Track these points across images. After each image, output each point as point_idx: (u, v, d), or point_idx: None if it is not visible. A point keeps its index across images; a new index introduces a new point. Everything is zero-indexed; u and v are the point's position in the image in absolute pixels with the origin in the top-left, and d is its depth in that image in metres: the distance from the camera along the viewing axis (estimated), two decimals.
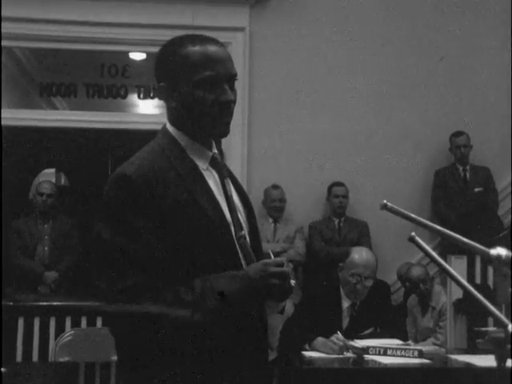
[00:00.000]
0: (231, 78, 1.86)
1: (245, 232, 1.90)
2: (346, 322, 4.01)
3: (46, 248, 6.10)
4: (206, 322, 1.70)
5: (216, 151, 1.94)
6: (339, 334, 3.66)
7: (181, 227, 1.74)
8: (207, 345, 1.72)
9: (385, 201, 1.65)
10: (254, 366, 1.85)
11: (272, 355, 5.22)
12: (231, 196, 1.90)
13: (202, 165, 1.88)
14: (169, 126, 1.92)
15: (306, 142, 6.53)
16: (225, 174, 1.93)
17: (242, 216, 1.93)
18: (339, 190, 6.38)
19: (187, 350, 1.71)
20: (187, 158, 1.86)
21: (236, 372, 1.79)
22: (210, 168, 1.90)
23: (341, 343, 3.61)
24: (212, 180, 1.88)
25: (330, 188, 6.41)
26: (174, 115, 1.90)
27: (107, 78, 6.95)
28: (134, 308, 1.67)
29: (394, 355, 3.53)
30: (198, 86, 1.82)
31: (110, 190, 1.78)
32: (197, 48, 1.85)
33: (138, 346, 1.70)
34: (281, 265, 1.78)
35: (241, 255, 1.85)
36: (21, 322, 5.31)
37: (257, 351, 1.87)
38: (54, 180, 7.75)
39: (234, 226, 1.85)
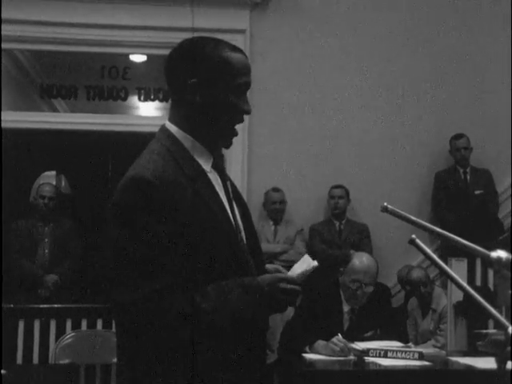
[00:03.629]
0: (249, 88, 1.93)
1: (243, 235, 1.91)
2: (346, 325, 4.01)
3: (47, 251, 6.09)
4: (219, 329, 1.72)
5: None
6: (340, 336, 3.66)
7: (194, 230, 1.74)
8: (208, 348, 1.73)
9: (385, 203, 1.65)
10: (253, 368, 1.86)
11: (272, 357, 5.22)
12: (232, 199, 1.93)
13: (206, 167, 1.88)
14: (170, 127, 1.90)
15: (307, 144, 6.54)
16: (226, 176, 1.95)
17: (239, 219, 1.94)
18: (336, 191, 6.40)
19: (192, 354, 1.72)
20: (193, 160, 1.86)
21: (235, 373, 1.80)
22: (213, 170, 1.90)
23: (341, 344, 3.61)
24: (216, 183, 1.89)
25: (329, 190, 6.42)
26: (188, 114, 1.87)
27: (108, 80, 6.96)
28: (153, 313, 1.67)
29: (394, 357, 3.53)
30: (233, 90, 1.86)
31: (128, 195, 1.74)
32: (236, 54, 1.88)
33: (148, 349, 1.70)
34: (294, 283, 1.80)
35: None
36: (21, 324, 5.31)
37: (256, 353, 1.88)
38: (54, 182, 7.74)
39: (236, 228, 1.87)
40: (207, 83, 1.85)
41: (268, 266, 1.96)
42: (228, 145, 1.93)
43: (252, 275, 1.84)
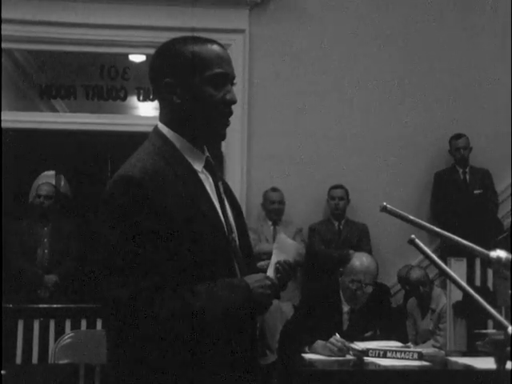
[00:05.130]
0: (233, 79, 1.90)
1: (235, 235, 1.91)
2: (346, 325, 4.01)
3: (46, 251, 6.09)
4: (209, 330, 1.73)
5: (208, 154, 1.94)
6: (338, 336, 3.66)
7: (183, 230, 1.74)
8: (201, 349, 1.74)
9: (384, 203, 1.65)
10: (246, 369, 1.86)
11: (272, 358, 5.22)
12: (224, 199, 1.93)
13: (198, 167, 1.88)
14: (162, 128, 1.90)
15: (306, 144, 6.54)
16: (218, 176, 1.94)
17: (231, 219, 1.94)
18: (336, 192, 6.40)
19: (183, 353, 1.73)
20: (185, 160, 1.86)
21: (228, 375, 1.80)
22: (205, 171, 1.90)
23: (339, 344, 3.61)
24: (207, 183, 1.89)
25: (329, 190, 6.42)
26: (173, 114, 1.88)
27: (107, 80, 6.95)
28: (145, 312, 1.67)
29: (393, 357, 3.53)
30: (208, 82, 1.84)
31: (116, 193, 1.75)
32: (206, 46, 1.87)
33: (138, 345, 1.70)
34: (278, 286, 1.86)
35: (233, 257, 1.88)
36: (21, 324, 5.31)
37: (248, 355, 1.88)
38: (53, 182, 7.75)
39: (226, 228, 1.87)
40: (181, 81, 1.85)
41: (261, 262, 1.98)
42: (221, 138, 1.92)
43: (242, 275, 1.86)
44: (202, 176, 1.88)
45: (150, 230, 1.70)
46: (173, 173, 1.80)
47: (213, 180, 1.91)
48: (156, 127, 1.92)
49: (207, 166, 1.91)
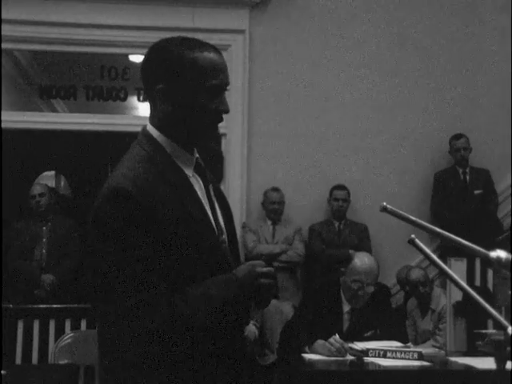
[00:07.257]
0: (227, 85, 1.88)
1: (225, 237, 1.91)
2: (346, 325, 4.01)
3: (44, 251, 6.08)
4: (202, 332, 1.73)
5: (198, 156, 1.93)
6: (337, 336, 3.66)
7: (175, 239, 1.74)
8: (194, 352, 1.74)
9: (384, 203, 1.65)
10: (243, 370, 1.87)
11: (272, 358, 5.22)
12: (214, 202, 1.92)
13: (188, 172, 1.87)
14: (152, 130, 1.88)
15: (306, 144, 6.54)
16: (208, 179, 1.93)
17: (221, 221, 1.93)
18: (340, 193, 6.38)
19: (178, 358, 1.73)
20: (176, 166, 1.84)
21: (225, 376, 1.81)
22: (195, 174, 1.89)
23: (338, 345, 3.61)
24: (198, 187, 1.88)
25: (331, 191, 6.42)
26: (164, 119, 1.85)
27: (107, 81, 6.95)
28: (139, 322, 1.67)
29: (393, 357, 3.52)
30: (203, 92, 1.81)
31: (110, 206, 1.72)
32: (204, 54, 1.82)
33: (134, 358, 1.70)
34: (266, 265, 1.82)
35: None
36: (20, 324, 5.31)
37: (244, 356, 1.89)
38: (53, 182, 7.76)
39: (217, 232, 1.87)
40: (174, 89, 1.82)
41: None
42: (211, 145, 1.91)
43: None
44: (192, 180, 1.87)
45: (143, 242, 1.69)
46: (164, 180, 1.79)
47: (203, 183, 1.90)
48: (145, 129, 1.90)
49: (197, 169, 1.90)
